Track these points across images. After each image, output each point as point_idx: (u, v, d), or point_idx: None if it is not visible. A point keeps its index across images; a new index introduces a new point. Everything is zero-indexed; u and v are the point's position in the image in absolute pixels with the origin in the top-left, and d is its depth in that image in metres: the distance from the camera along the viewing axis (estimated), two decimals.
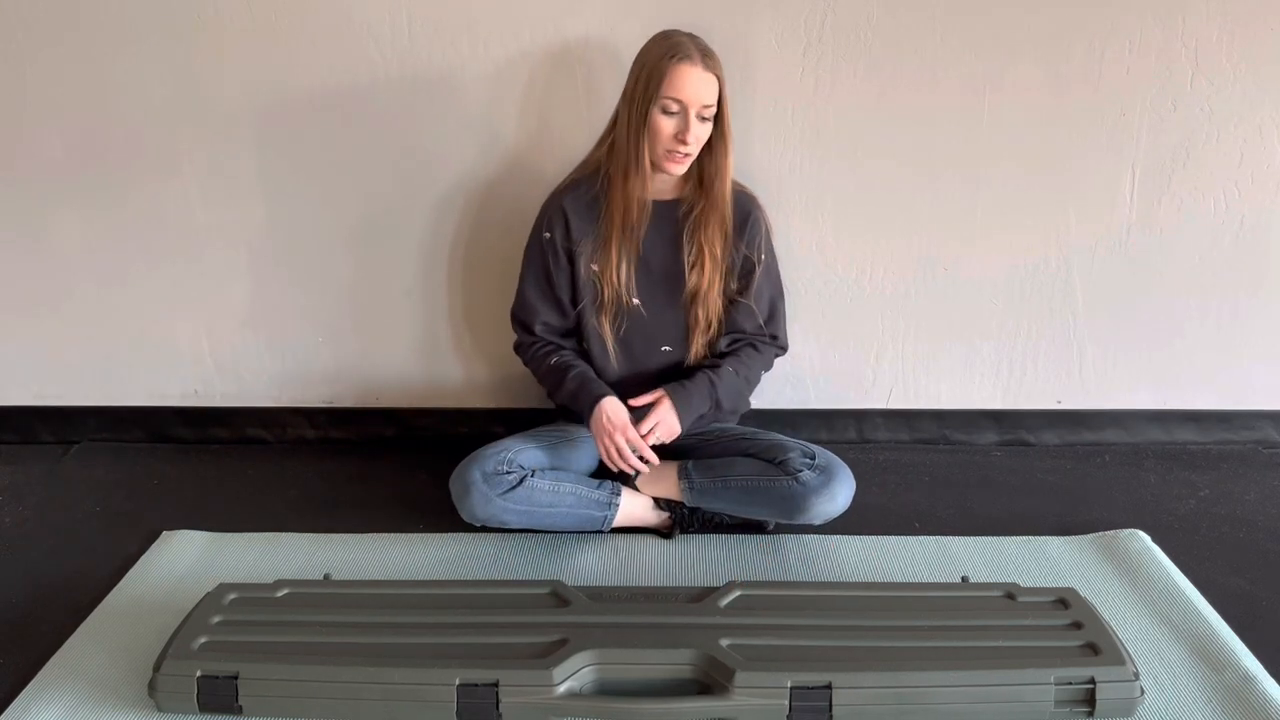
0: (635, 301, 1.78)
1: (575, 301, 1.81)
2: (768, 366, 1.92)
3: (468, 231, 2.07)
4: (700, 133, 1.64)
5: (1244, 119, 1.97)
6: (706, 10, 1.88)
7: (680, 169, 1.68)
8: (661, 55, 1.63)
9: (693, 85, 1.61)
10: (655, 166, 1.69)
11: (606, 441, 1.71)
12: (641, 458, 1.71)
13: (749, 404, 1.98)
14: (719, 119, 1.66)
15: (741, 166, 1.90)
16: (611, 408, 1.72)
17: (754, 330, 1.85)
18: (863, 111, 1.96)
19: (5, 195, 2.07)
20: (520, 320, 1.88)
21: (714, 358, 1.85)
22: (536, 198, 1.86)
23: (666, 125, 1.63)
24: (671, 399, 1.74)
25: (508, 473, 1.74)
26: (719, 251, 1.75)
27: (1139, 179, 2.02)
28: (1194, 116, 1.97)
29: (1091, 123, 1.97)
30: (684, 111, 1.62)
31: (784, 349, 1.93)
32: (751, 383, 1.89)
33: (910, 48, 1.92)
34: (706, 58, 1.62)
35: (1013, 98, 1.95)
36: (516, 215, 1.98)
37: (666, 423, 1.73)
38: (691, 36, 1.65)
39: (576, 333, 1.85)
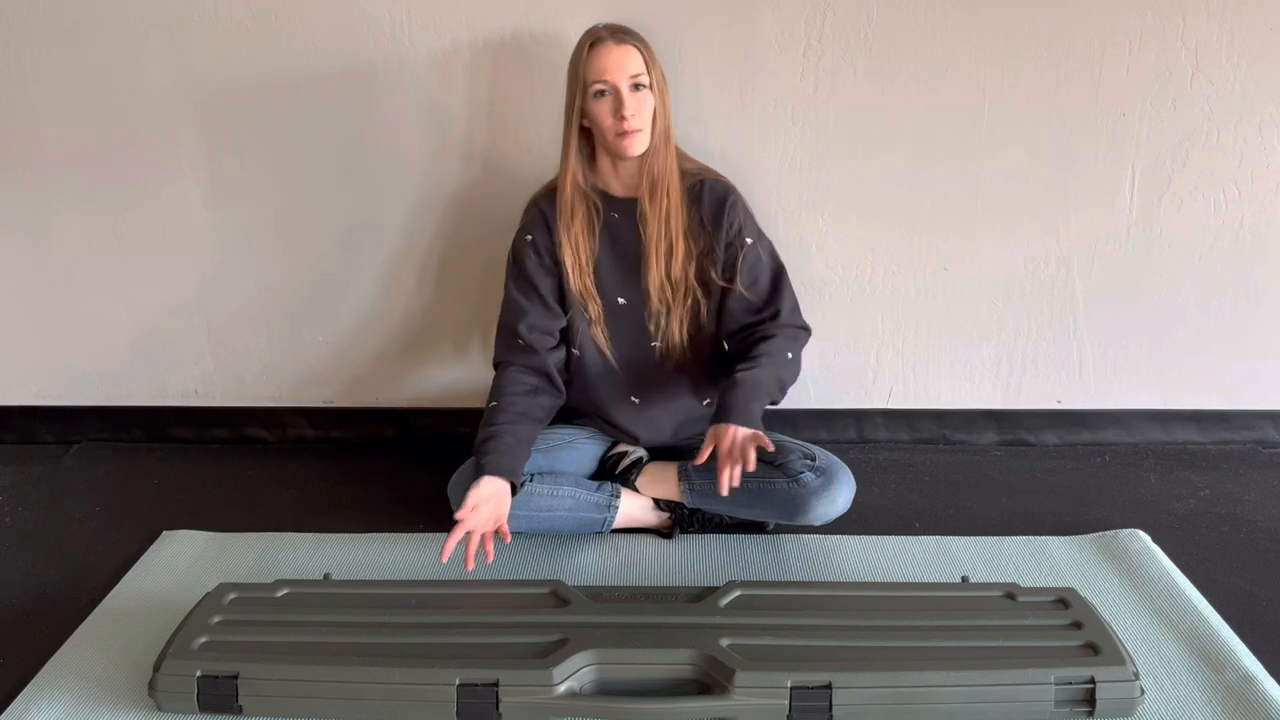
0: (621, 301, 1.78)
1: (564, 306, 1.80)
2: (794, 349, 1.74)
3: (467, 231, 2.07)
4: (637, 104, 1.62)
5: (1244, 119, 1.97)
6: (707, 10, 1.88)
7: (636, 146, 1.64)
8: (578, 49, 1.65)
9: (612, 61, 1.61)
10: (616, 155, 1.67)
11: (462, 517, 1.53)
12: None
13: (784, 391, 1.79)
14: (652, 91, 1.64)
15: (741, 166, 1.90)
16: (480, 492, 1.57)
17: (750, 317, 1.78)
18: (863, 111, 1.96)
19: (6, 195, 2.07)
20: (505, 326, 1.80)
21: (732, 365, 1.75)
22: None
23: (602, 108, 1.63)
24: (726, 420, 1.58)
25: None
26: (657, 230, 1.70)
27: (1139, 179, 2.02)
28: (1194, 116, 1.97)
29: (1091, 123, 1.97)
30: (613, 90, 1.62)
31: (801, 326, 1.79)
32: (782, 368, 1.72)
33: (910, 48, 1.92)
34: (620, 34, 1.63)
35: (1012, 97, 1.95)
36: (515, 214, 1.97)
37: (735, 439, 1.55)
38: (609, 23, 1.66)
39: (565, 338, 1.83)
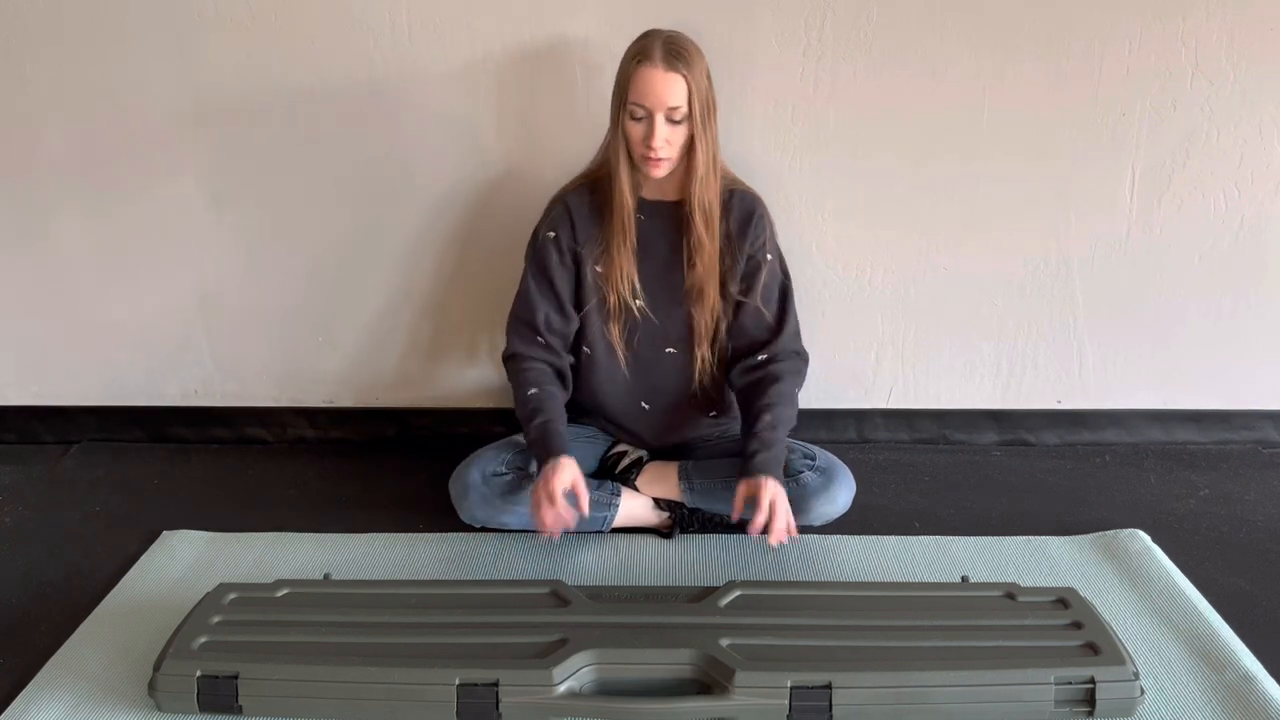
0: (639, 304, 1.78)
1: (579, 305, 1.79)
2: (798, 387, 1.79)
3: (467, 231, 2.07)
4: (669, 135, 1.60)
5: (1244, 119, 1.97)
6: (707, 10, 1.88)
7: (660, 171, 1.64)
8: (629, 58, 1.61)
9: (654, 89, 1.57)
10: (640, 170, 1.67)
11: (541, 496, 1.61)
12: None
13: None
14: (692, 119, 1.60)
15: (742, 166, 1.90)
16: (558, 467, 1.62)
17: (757, 334, 1.78)
18: (863, 111, 1.96)
19: (5, 195, 2.06)
20: (521, 319, 1.80)
21: (746, 398, 1.77)
22: (536, 197, 1.86)
23: (635, 130, 1.61)
24: (764, 474, 1.62)
25: (506, 474, 1.74)
26: (707, 251, 1.70)
27: (1139, 179, 2.02)
28: (1194, 116, 1.97)
29: (1091, 123, 1.97)
30: (649, 116, 1.59)
31: (801, 354, 1.82)
32: (791, 413, 1.77)
33: (910, 47, 1.92)
34: (671, 58, 1.57)
35: (1013, 98, 1.95)
36: (516, 215, 1.97)
37: (774, 503, 1.60)
38: (669, 36, 1.61)
39: (578, 339, 1.83)
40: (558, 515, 1.60)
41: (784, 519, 1.59)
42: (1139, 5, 1.89)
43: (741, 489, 1.63)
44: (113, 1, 1.90)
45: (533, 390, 1.74)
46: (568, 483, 1.62)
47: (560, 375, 1.81)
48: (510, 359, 1.81)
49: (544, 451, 1.66)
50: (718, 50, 1.89)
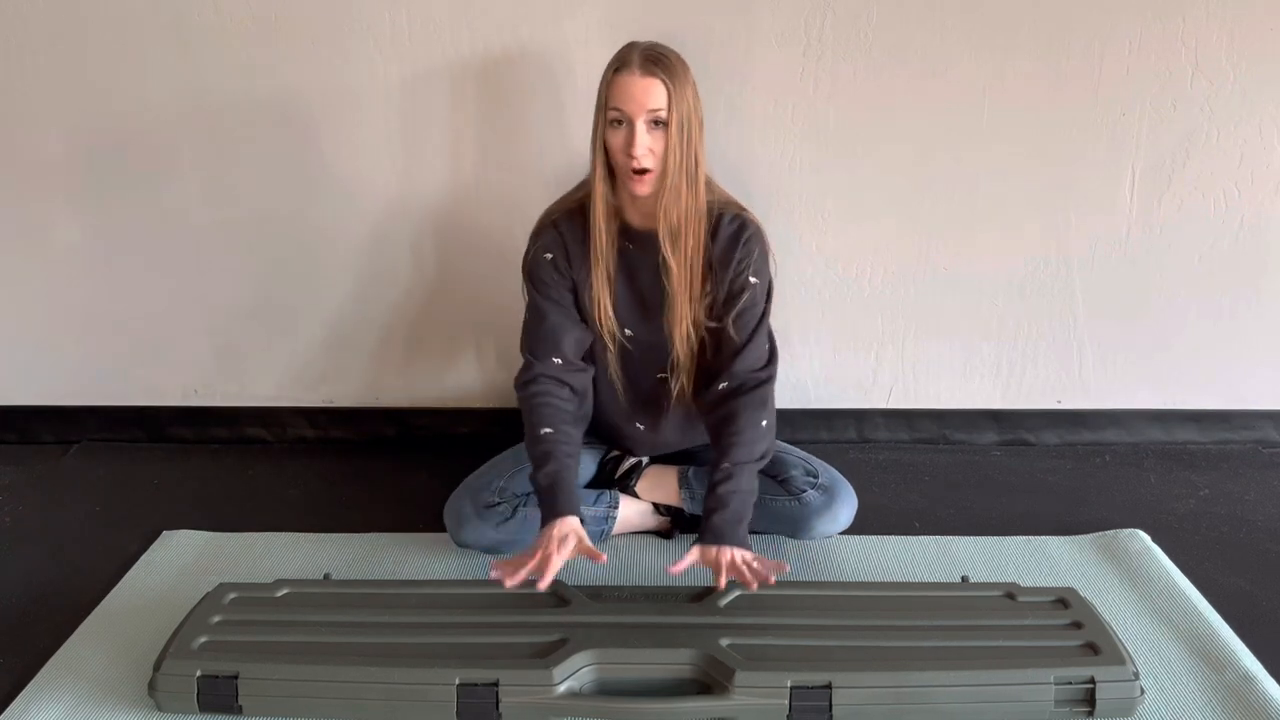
0: (629, 333, 1.73)
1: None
2: (766, 416, 1.64)
3: (468, 230, 2.07)
4: (650, 142, 1.53)
5: (1244, 119, 1.97)
6: (707, 10, 1.88)
7: (644, 188, 1.56)
8: (607, 69, 1.56)
9: (632, 92, 1.51)
10: (622, 193, 1.61)
11: (542, 551, 1.49)
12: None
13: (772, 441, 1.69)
14: (669, 127, 1.51)
15: (742, 166, 1.90)
16: (563, 529, 1.53)
17: (724, 359, 1.67)
18: (862, 111, 1.96)
19: (5, 195, 2.07)
20: (536, 338, 1.68)
21: (716, 427, 1.66)
22: (537, 197, 1.85)
23: (615, 139, 1.55)
24: (718, 544, 1.52)
25: (500, 503, 1.72)
26: (674, 274, 1.62)
27: (1139, 179, 2.02)
28: (1194, 116, 1.97)
29: (1091, 123, 1.97)
30: (629, 122, 1.52)
31: (763, 380, 1.66)
32: (760, 449, 1.62)
33: (910, 47, 1.92)
34: (649, 63, 1.50)
35: (1013, 98, 1.95)
36: (517, 215, 1.97)
37: (734, 561, 1.50)
38: (648, 44, 1.55)
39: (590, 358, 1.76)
40: (525, 576, 1.47)
41: (753, 577, 1.47)
42: (1139, 5, 1.89)
43: (695, 554, 1.52)
44: (113, 2, 1.91)
45: (546, 430, 1.62)
46: (568, 554, 1.51)
47: (579, 396, 1.71)
48: (528, 384, 1.67)
49: (551, 509, 1.56)
50: (718, 50, 1.89)
